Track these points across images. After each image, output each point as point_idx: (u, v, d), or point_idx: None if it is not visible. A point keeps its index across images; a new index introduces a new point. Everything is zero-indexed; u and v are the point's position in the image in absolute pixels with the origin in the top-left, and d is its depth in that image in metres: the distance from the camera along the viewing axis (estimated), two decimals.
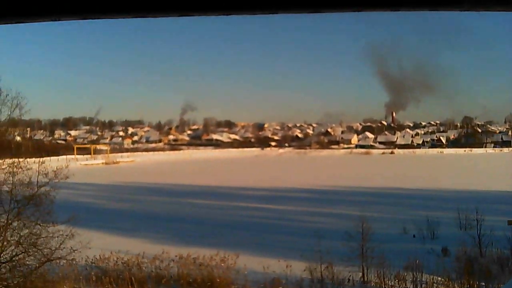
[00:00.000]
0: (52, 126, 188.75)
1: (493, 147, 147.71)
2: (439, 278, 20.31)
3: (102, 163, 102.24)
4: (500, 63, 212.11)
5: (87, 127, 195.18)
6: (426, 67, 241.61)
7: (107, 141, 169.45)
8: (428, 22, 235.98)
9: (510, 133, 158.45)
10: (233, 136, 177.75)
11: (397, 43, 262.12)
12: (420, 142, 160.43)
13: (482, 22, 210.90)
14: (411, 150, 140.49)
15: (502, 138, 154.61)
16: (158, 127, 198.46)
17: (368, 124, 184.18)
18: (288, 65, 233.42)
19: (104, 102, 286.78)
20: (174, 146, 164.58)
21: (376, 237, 22.77)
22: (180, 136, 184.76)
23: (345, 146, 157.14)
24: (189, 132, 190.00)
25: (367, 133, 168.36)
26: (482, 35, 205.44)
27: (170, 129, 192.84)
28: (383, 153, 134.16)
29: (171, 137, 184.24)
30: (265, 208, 40.20)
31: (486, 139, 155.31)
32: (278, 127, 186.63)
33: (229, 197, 46.34)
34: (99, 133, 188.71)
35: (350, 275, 20.25)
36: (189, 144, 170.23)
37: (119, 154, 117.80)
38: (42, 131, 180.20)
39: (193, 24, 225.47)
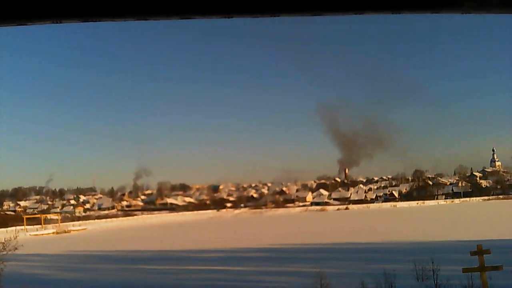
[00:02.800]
0: (1, 197, 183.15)
1: (445, 198, 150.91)
2: None
3: (53, 232, 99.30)
4: (449, 118, 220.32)
5: (37, 197, 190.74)
6: (376, 124, 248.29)
7: (58, 210, 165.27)
8: (377, 82, 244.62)
9: (460, 184, 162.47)
10: (188, 199, 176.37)
11: (346, 102, 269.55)
12: (374, 197, 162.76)
13: (434, 82, 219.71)
14: (365, 205, 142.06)
15: (452, 190, 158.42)
16: (111, 193, 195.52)
17: (322, 181, 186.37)
18: (240, 126, 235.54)
19: (55, 170, 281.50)
20: (128, 212, 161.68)
21: None
22: (134, 202, 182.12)
23: (300, 204, 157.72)
24: (143, 197, 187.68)
25: (322, 190, 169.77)
26: (432, 94, 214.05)
27: (123, 195, 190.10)
28: (338, 209, 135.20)
29: (124, 203, 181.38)
30: (220, 270, 39.18)
31: (437, 191, 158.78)
32: (233, 188, 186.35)
33: (183, 261, 45.11)
34: (49, 202, 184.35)
35: None
36: (143, 210, 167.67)
37: (71, 223, 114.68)
38: None
39: (146, 87, 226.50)
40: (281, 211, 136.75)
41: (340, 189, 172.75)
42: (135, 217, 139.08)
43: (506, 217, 75.21)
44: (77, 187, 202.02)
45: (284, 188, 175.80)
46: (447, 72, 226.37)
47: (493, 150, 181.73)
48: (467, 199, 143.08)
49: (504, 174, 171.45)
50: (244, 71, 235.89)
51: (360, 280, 29.94)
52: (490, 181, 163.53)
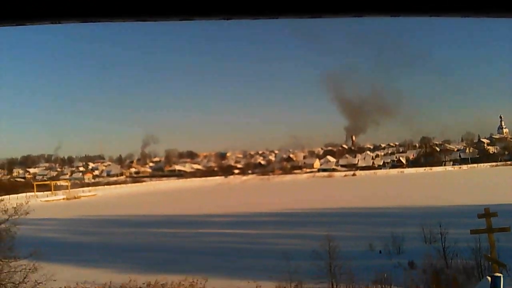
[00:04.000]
0: (10, 164, 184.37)
1: (452, 165, 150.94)
2: None
3: (63, 198, 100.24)
4: (455, 85, 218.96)
5: (46, 164, 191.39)
6: (383, 91, 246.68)
7: (67, 177, 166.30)
8: (382, 50, 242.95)
9: (467, 150, 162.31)
10: (195, 166, 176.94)
11: (352, 70, 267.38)
12: (381, 163, 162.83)
13: (438, 49, 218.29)
14: (372, 171, 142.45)
15: (460, 156, 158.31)
16: (119, 161, 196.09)
17: (330, 148, 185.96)
18: (247, 94, 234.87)
19: (63, 138, 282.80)
20: (136, 178, 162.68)
21: (343, 255, 22.92)
22: (142, 169, 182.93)
23: (308, 170, 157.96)
24: (151, 164, 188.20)
25: (329, 157, 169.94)
26: (437, 61, 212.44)
27: (132, 162, 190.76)
28: (346, 175, 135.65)
29: (132, 170, 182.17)
30: (232, 233, 39.95)
31: (445, 157, 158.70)
32: (240, 156, 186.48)
33: (195, 225, 45.81)
34: (58, 169, 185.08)
35: None
36: (151, 176, 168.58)
37: (80, 189, 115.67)
38: None
39: (152, 59, 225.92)
40: (288, 177, 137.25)
41: (347, 155, 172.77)
42: (144, 183, 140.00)
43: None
44: (86, 155, 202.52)
45: (291, 155, 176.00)
46: (452, 39, 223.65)
47: (500, 117, 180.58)
48: (475, 165, 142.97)
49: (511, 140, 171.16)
50: (250, 42, 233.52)
51: (368, 243, 30.67)
52: (498, 147, 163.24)
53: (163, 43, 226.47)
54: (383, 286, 20.57)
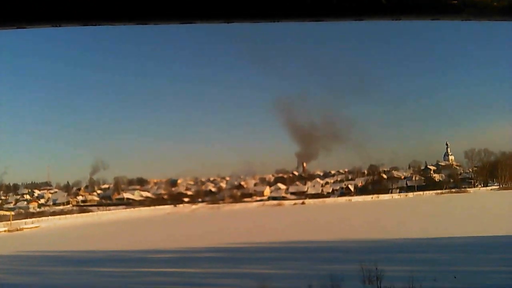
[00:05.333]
0: None
1: (399, 192, 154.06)
2: None
3: (5, 230, 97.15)
4: (404, 115, 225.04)
5: None
6: (334, 118, 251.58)
7: (11, 205, 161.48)
8: (334, 77, 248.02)
9: (413, 178, 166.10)
10: (145, 194, 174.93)
11: (304, 97, 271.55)
12: (330, 190, 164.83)
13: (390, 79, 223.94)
14: (321, 199, 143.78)
15: (406, 184, 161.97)
16: (66, 188, 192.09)
17: (280, 175, 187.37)
18: (199, 119, 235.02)
19: (8, 163, 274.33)
20: (83, 207, 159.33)
21: None
22: (90, 197, 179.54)
23: (258, 198, 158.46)
24: (99, 191, 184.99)
25: (279, 184, 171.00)
26: (388, 90, 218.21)
27: (79, 189, 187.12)
28: (295, 203, 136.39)
29: (80, 198, 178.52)
30: (169, 272, 39.14)
31: (392, 185, 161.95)
32: (191, 182, 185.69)
33: (136, 262, 44.85)
34: (2, 197, 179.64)
35: None
36: (98, 205, 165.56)
37: (23, 220, 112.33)
38: None
39: (103, 80, 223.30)
40: (238, 206, 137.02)
41: (297, 183, 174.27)
42: (91, 213, 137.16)
43: (455, 210, 77.60)
44: (32, 181, 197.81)
45: (242, 182, 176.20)
46: (404, 70, 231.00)
47: (446, 144, 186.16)
48: (421, 192, 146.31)
49: (457, 167, 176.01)
50: (204, 65, 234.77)
51: (308, 283, 30.56)
52: (443, 175, 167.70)
53: (115, 66, 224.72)
54: None
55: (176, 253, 49.28)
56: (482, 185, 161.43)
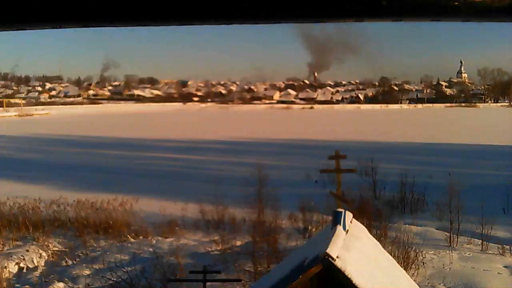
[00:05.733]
0: None
1: (408, 103, 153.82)
2: (330, 217, 21.36)
3: (15, 115, 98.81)
4: (420, 29, 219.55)
5: (2, 82, 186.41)
6: (348, 30, 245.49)
7: (23, 95, 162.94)
8: None
9: (425, 91, 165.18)
10: (155, 92, 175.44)
11: None
12: (340, 98, 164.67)
13: None
14: (330, 105, 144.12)
15: (417, 96, 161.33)
16: (78, 82, 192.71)
17: (291, 82, 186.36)
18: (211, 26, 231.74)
19: (22, 55, 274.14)
20: (94, 100, 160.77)
21: (280, 182, 23.72)
22: (101, 92, 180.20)
23: (267, 102, 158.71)
24: (109, 88, 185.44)
25: (289, 90, 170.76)
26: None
27: (90, 85, 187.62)
28: (303, 108, 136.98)
29: (91, 92, 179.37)
30: (176, 158, 40.42)
31: (402, 96, 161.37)
32: (202, 84, 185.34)
33: (144, 148, 46.15)
34: (14, 88, 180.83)
35: (246, 216, 20.86)
36: (109, 99, 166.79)
37: (34, 107, 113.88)
38: None
39: None
40: (246, 107, 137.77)
41: (307, 90, 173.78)
42: (101, 105, 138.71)
43: (460, 122, 77.91)
44: (43, 75, 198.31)
45: (252, 86, 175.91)
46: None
47: (461, 62, 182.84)
48: (430, 105, 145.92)
49: (469, 84, 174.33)
50: None
51: (305, 173, 31.51)
52: (455, 90, 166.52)
53: None
54: (306, 213, 21.47)
55: (183, 142, 50.36)
56: (493, 102, 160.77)
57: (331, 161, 9.19)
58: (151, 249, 17.31)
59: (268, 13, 1.19)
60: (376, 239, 9.47)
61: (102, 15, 1.19)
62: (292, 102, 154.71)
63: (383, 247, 9.13)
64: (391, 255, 9.73)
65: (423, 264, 15.60)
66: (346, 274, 5.66)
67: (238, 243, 18.48)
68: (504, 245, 17.16)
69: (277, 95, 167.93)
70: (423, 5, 1.16)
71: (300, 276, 6.04)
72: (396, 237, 17.01)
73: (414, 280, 10.34)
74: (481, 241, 17.81)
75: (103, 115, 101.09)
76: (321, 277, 6.00)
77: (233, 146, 47.49)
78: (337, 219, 6.99)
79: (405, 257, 15.18)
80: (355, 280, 5.64)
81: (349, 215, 7.64)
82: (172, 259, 15.89)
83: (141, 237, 19.18)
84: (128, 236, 19.15)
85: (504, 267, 15.76)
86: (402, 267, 9.75)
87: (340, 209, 7.25)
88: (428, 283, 14.54)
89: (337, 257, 5.82)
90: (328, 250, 5.85)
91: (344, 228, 6.97)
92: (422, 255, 15.85)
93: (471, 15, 1.16)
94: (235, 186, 24.10)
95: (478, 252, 17.29)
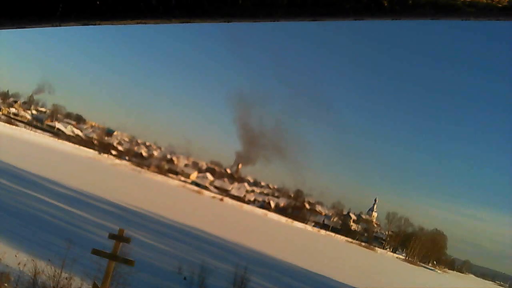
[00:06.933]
0: None
1: (313, 226, 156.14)
2: None
3: None
4: (353, 148, 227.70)
5: None
6: (284, 131, 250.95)
7: None
8: (298, 92, 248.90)
9: (332, 219, 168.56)
10: (77, 131, 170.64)
11: (265, 96, 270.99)
12: (252, 199, 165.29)
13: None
14: (240, 203, 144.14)
15: (323, 221, 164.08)
16: (4, 96, 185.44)
17: (213, 166, 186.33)
18: (159, 83, 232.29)
19: None
20: (11, 120, 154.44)
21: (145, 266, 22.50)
22: (23, 113, 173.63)
23: (182, 179, 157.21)
24: (34, 112, 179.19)
25: (208, 174, 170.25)
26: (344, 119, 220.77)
27: (16, 102, 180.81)
28: (214, 197, 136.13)
29: (12, 110, 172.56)
30: (51, 204, 38.29)
31: (310, 217, 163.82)
32: (126, 139, 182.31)
33: (25, 182, 43.69)
34: None
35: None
36: (27, 124, 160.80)
37: None
38: None
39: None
40: (159, 177, 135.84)
41: (225, 179, 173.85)
42: (15, 127, 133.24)
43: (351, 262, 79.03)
44: None
45: (174, 158, 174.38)
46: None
47: (375, 200, 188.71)
48: (333, 234, 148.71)
49: (376, 225, 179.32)
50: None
51: (179, 265, 30.22)
52: (360, 227, 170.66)
53: None
54: None
55: (69, 190, 48.16)
56: (391, 250, 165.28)
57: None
58: None
59: (267, 12, 1.19)
60: None
61: (101, 13, 1.19)
62: (206, 188, 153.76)
63: None
64: None
65: None
66: None
67: None
68: None
69: (194, 175, 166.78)
70: (423, 4, 1.15)
71: None
72: None
73: None
74: None
75: (11, 137, 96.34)
76: None
77: (116, 211, 45.63)
78: None
79: None
80: None
81: None
82: None
83: None
84: None
85: None
86: None
87: None
88: None
89: None
90: None
91: None
92: None
93: (471, 14, 1.15)
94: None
95: None
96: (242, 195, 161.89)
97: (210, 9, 1.18)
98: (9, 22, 1.20)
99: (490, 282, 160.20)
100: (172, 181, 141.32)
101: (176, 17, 1.21)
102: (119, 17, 1.22)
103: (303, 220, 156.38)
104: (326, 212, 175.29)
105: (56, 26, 1.24)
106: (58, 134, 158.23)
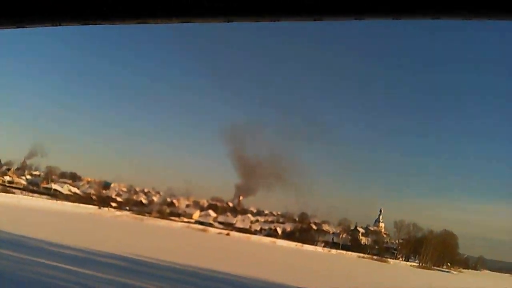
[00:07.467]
0: None
1: (323, 246, 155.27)
2: None
3: None
4: (351, 168, 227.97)
5: None
6: (281, 158, 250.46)
7: None
8: (291, 118, 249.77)
9: (341, 236, 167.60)
10: (74, 190, 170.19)
11: (256, 123, 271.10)
12: (258, 229, 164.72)
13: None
14: (247, 235, 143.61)
15: (333, 240, 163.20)
16: None
17: (215, 202, 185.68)
18: (149, 129, 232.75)
19: None
20: (6, 188, 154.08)
21: None
22: (17, 179, 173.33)
23: (185, 220, 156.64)
24: (28, 176, 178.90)
25: (210, 211, 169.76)
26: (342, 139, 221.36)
27: (9, 170, 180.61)
28: (219, 233, 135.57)
29: (7, 178, 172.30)
30: (62, 268, 37.93)
31: (318, 237, 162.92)
32: (124, 189, 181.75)
33: (29, 249, 43.29)
34: None
35: None
36: (23, 189, 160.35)
37: None
38: None
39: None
40: (163, 222, 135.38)
41: (228, 214, 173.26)
42: (11, 195, 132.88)
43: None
44: None
45: (174, 200, 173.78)
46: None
47: (380, 211, 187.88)
48: (344, 251, 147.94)
49: (385, 235, 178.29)
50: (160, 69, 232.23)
51: None
52: (369, 239, 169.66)
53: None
54: None
55: (73, 250, 47.78)
56: (404, 259, 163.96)
57: None
58: None
59: (268, 11, 1.19)
60: None
61: (101, 13, 1.18)
62: (210, 225, 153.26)
63: None
64: None
65: None
66: None
67: None
68: None
69: (196, 214, 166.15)
70: (423, 3, 1.16)
71: None
72: None
73: None
74: None
75: (8, 206, 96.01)
76: None
77: (129, 264, 45.25)
78: None
79: None
80: None
81: None
82: None
83: None
84: None
85: None
86: None
87: None
88: None
89: None
90: None
91: None
92: None
93: (471, 14, 1.15)
94: None
95: None
96: (247, 227, 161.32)
97: (210, 8, 1.17)
98: (9, 21, 1.19)
99: (507, 275, 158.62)
100: (176, 224, 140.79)
101: (176, 16, 1.21)
102: (119, 17, 1.21)
103: (312, 242, 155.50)
104: (334, 230, 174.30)
105: (56, 25, 1.23)
106: (55, 195, 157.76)
